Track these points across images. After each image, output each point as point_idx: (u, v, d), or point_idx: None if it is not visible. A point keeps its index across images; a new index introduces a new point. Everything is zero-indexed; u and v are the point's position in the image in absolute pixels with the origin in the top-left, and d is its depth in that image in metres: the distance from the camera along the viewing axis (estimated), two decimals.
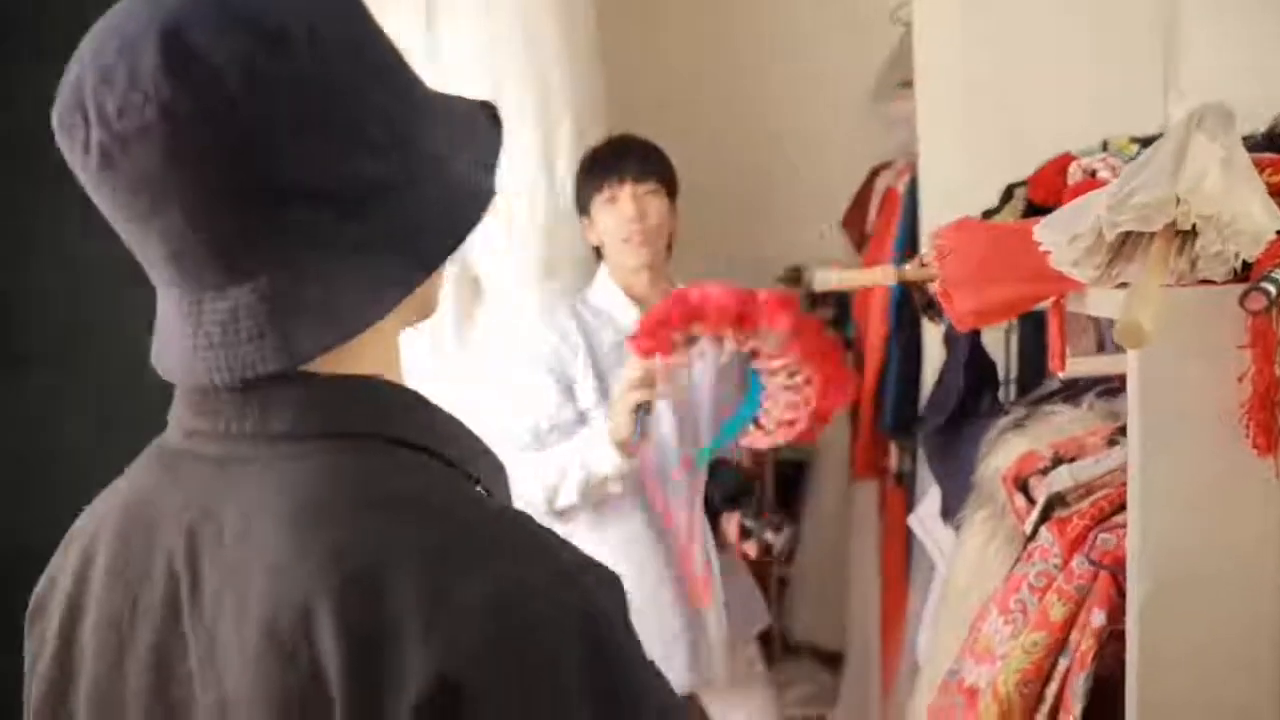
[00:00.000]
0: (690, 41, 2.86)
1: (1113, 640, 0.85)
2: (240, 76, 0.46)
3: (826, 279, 0.98)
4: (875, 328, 2.05)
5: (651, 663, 0.52)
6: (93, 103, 0.47)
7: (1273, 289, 0.69)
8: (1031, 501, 1.15)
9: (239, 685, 0.49)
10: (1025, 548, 1.07)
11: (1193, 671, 0.77)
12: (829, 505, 2.59)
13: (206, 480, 0.53)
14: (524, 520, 0.53)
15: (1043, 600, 1.00)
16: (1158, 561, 0.76)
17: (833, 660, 2.55)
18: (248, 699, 0.48)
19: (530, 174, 1.89)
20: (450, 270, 2.18)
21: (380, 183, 0.50)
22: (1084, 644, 0.87)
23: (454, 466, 0.54)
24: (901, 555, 2.03)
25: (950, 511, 1.42)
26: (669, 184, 1.71)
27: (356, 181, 0.50)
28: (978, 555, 1.27)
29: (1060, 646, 0.96)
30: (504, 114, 0.59)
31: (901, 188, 2.06)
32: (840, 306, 2.75)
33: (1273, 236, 0.76)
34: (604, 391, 1.62)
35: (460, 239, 0.53)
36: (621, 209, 1.65)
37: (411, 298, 0.53)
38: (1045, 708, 0.92)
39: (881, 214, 2.20)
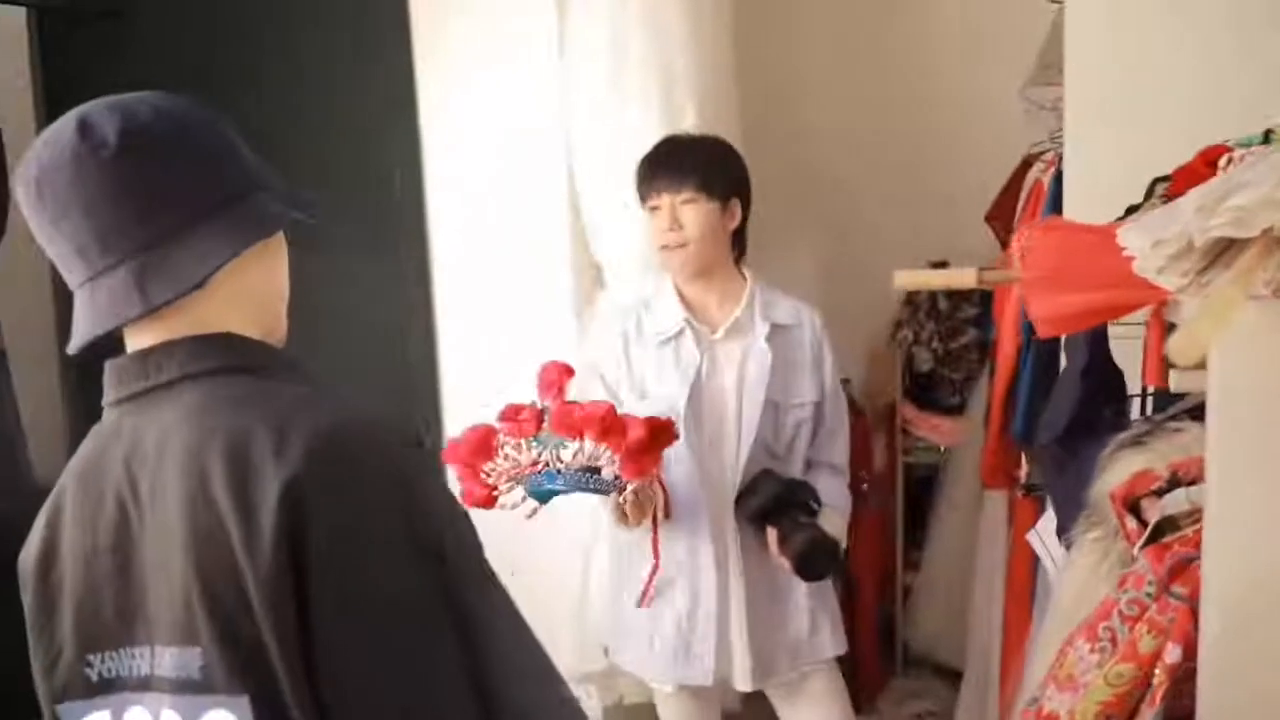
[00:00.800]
0: (834, 23, 2.78)
1: (1190, 678, 0.78)
2: (117, 136, 0.76)
3: (906, 279, 0.94)
4: (1009, 333, 1.93)
5: (445, 485, 0.77)
6: (35, 157, 0.78)
7: None
8: (1143, 523, 1.06)
9: (174, 547, 0.73)
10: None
11: (1267, 715, 0.69)
12: (959, 514, 2.47)
13: (134, 425, 0.78)
14: (338, 397, 0.78)
15: (1133, 630, 0.93)
16: (1233, 596, 0.69)
17: (955, 676, 2.43)
18: (181, 549, 0.73)
19: None
20: (569, 256, 2.23)
21: (208, 205, 0.78)
22: (1157, 680, 0.80)
23: (287, 380, 0.81)
24: (1028, 570, 1.91)
25: (1064, 529, 1.33)
26: (712, 188, 1.61)
27: (193, 201, 0.78)
28: (1087, 577, 1.19)
29: (1149, 681, 0.89)
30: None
31: (1047, 180, 1.92)
32: (984, 306, 2.60)
33: None
34: (642, 392, 1.62)
35: (258, 239, 0.80)
36: (657, 219, 1.63)
37: (250, 305, 0.82)
38: None
39: (1027, 208, 2.07)
